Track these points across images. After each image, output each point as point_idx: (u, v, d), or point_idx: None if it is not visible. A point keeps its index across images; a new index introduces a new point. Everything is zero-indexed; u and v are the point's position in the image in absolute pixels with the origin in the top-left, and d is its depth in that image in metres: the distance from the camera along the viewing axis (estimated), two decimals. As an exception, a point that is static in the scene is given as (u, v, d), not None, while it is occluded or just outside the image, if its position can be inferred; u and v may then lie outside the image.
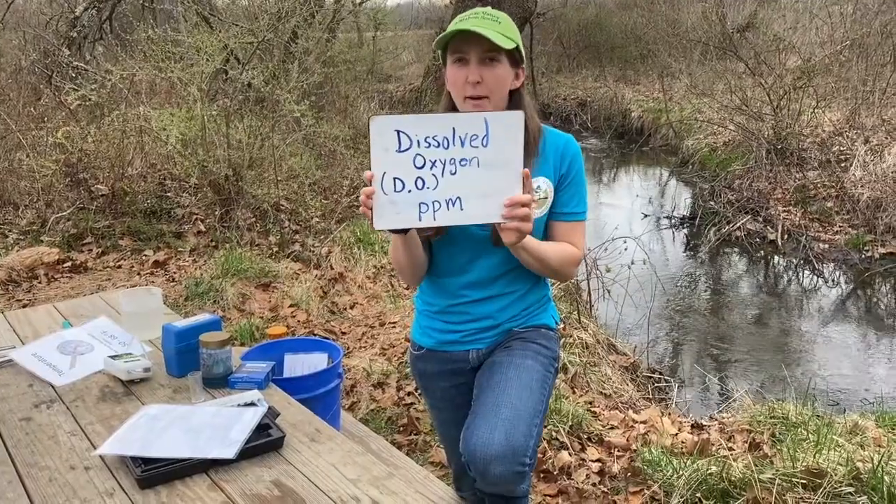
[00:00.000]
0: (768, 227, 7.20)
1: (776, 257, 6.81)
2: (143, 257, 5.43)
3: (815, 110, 8.67)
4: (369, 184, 1.61)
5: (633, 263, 4.99)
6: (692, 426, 3.29)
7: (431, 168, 1.62)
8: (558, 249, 1.81)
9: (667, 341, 5.11)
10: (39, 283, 4.94)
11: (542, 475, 2.83)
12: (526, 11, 10.20)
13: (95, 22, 10.08)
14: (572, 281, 5.00)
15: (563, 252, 1.81)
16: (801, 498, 2.48)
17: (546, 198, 1.80)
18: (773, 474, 2.56)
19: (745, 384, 4.30)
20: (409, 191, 1.62)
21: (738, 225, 7.22)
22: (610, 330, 4.85)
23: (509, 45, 1.69)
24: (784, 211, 7.43)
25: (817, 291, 6.04)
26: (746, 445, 3.00)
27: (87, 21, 9.67)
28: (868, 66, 9.09)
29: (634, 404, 3.66)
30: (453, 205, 1.64)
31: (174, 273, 5.19)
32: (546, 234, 1.86)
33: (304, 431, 1.75)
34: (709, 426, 3.29)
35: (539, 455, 2.89)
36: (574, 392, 3.59)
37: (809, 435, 2.92)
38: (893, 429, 3.13)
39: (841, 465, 2.59)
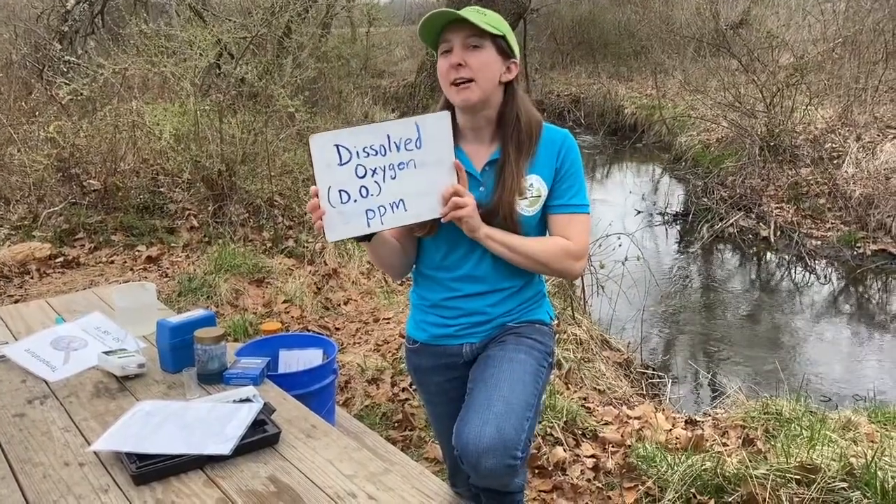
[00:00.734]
0: (761, 224, 7.22)
1: (769, 254, 6.84)
2: (136, 253, 5.40)
3: (808, 107, 8.69)
4: (316, 198, 1.70)
5: (626, 260, 4.99)
6: (686, 422, 3.30)
7: (373, 175, 1.72)
8: (544, 241, 1.82)
9: (660, 337, 5.13)
10: (31, 278, 4.91)
11: (536, 471, 2.83)
12: (520, 7, 10.19)
13: (87, 16, 10.02)
14: (566, 277, 5.00)
15: (551, 245, 1.81)
16: (795, 493, 2.49)
17: (539, 196, 1.81)
18: (767, 470, 2.57)
19: (738, 380, 4.31)
20: (355, 200, 1.72)
21: (731, 221, 7.24)
22: (604, 326, 4.86)
23: (492, 31, 1.71)
24: (777, 208, 7.45)
25: (810, 288, 6.06)
26: (740, 441, 3.01)
27: (79, 15, 9.61)
28: (860, 63, 9.11)
29: (628, 400, 3.67)
30: (397, 207, 1.74)
31: (167, 268, 5.16)
32: (544, 230, 1.86)
33: (300, 427, 1.74)
34: (703, 422, 3.30)
35: (534, 451, 2.90)
36: (568, 388, 3.59)
37: (803, 431, 2.93)
38: (886, 424, 3.15)
39: (834, 460, 2.61)
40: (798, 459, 2.63)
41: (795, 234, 6.83)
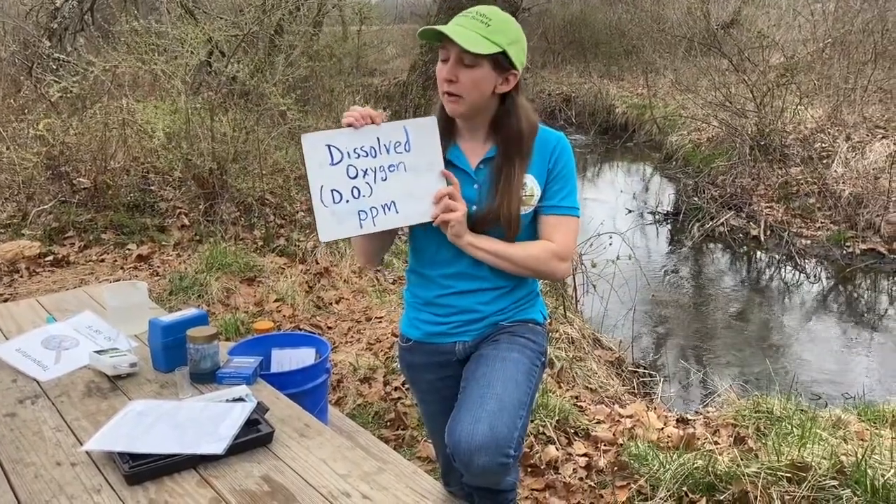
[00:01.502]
0: (751, 223, 7.26)
1: (759, 253, 6.87)
2: (127, 251, 5.37)
3: (798, 107, 8.73)
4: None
5: (618, 259, 5.01)
6: (678, 420, 3.31)
7: (364, 177, 1.74)
8: (529, 246, 1.81)
9: (651, 336, 5.14)
10: (21, 276, 4.88)
11: (529, 470, 2.84)
12: (512, 7, 10.19)
13: (77, 13, 9.95)
14: (558, 276, 5.01)
15: (535, 249, 1.81)
16: (786, 491, 2.51)
17: (532, 195, 1.81)
18: (759, 468, 2.58)
19: (729, 379, 4.33)
20: (347, 201, 1.73)
21: (721, 221, 7.27)
22: (595, 325, 4.87)
23: (481, 50, 1.65)
24: (767, 207, 7.49)
25: (799, 287, 6.10)
26: (732, 439, 3.02)
27: (69, 12, 9.54)
28: (850, 63, 9.16)
29: (620, 399, 3.68)
30: (389, 209, 1.76)
31: (158, 267, 5.14)
32: (533, 228, 1.86)
33: (293, 427, 1.74)
34: (694, 420, 3.31)
35: (526, 450, 2.90)
36: (560, 387, 3.60)
37: (794, 429, 2.95)
38: (875, 423, 3.17)
39: (825, 458, 2.62)
40: (789, 458, 2.64)
41: (785, 233, 6.86)
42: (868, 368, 4.59)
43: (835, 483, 2.50)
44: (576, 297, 4.99)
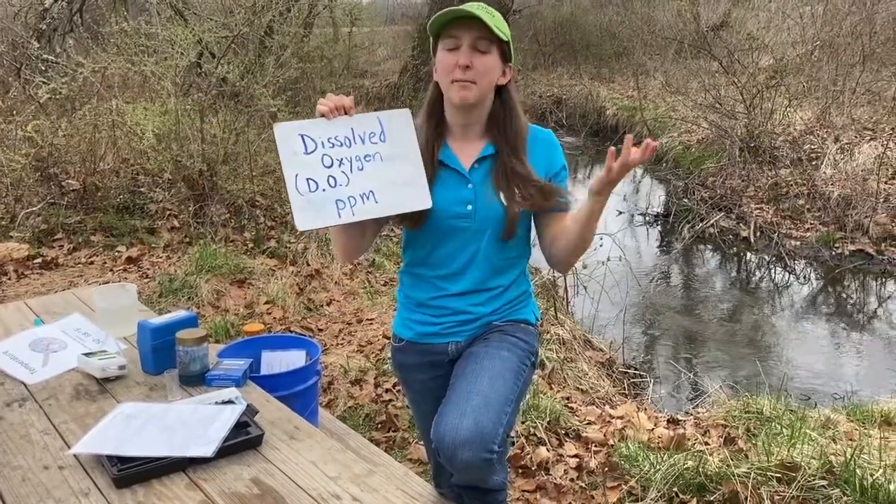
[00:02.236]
0: (741, 225, 7.29)
1: (749, 254, 6.90)
2: (116, 253, 5.34)
3: (787, 109, 8.78)
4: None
5: (608, 260, 5.02)
6: (668, 421, 3.32)
7: (340, 166, 1.73)
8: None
9: (642, 337, 5.15)
10: (9, 279, 4.84)
11: (520, 471, 2.84)
12: (502, 8, 10.22)
13: (66, 14, 9.90)
14: (549, 277, 5.02)
15: None
16: (776, 491, 2.52)
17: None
18: (749, 468, 2.59)
19: (719, 379, 4.34)
20: (324, 189, 1.71)
21: (711, 222, 7.29)
22: (586, 326, 4.88)
23: (500, 34, 1.72)
24: (756, 208, 7.52)
25: (789, 288, 6.12)
26: (722, 440, 3.03)
27: (58, 13, 9.49)
28: (838, 66, 9.22)
29: (611, 400, 3.68)
30: (367, 198, 1.74)
31: (147, 269, 5.12)
32: (546, 226, 1.85)
33: (283, 429, 1.73)
34: (684, 421, 3.32)
35: (517, 451, 2.90)
36: (551, 388, 3.60)
37: (783, 429, 2.96)
38: (864, 423, 3.19)
39: (814, 458, 2.63)
40: (778, 458, 2.65)
41: (775, 234, 6.89)
42: (857, 369, 4.61)
43: (824, 483, 2.52)
44: (567, 299, 5.00)
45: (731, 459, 2.69)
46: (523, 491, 2.73)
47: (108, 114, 6.10)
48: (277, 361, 2.50)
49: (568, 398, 3.52)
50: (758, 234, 7.06)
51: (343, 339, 4.26)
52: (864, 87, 9.14)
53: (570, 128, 13.85)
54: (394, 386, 3.50)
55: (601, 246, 5.21)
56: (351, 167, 1.73)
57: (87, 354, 2.03)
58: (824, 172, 7.51)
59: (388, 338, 2.04)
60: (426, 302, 1.90)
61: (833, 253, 6.51)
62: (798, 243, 6.79)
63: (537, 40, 18.05)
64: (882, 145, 7.55)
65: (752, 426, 3.12)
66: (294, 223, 1.71)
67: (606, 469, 2.85)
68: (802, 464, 2.59)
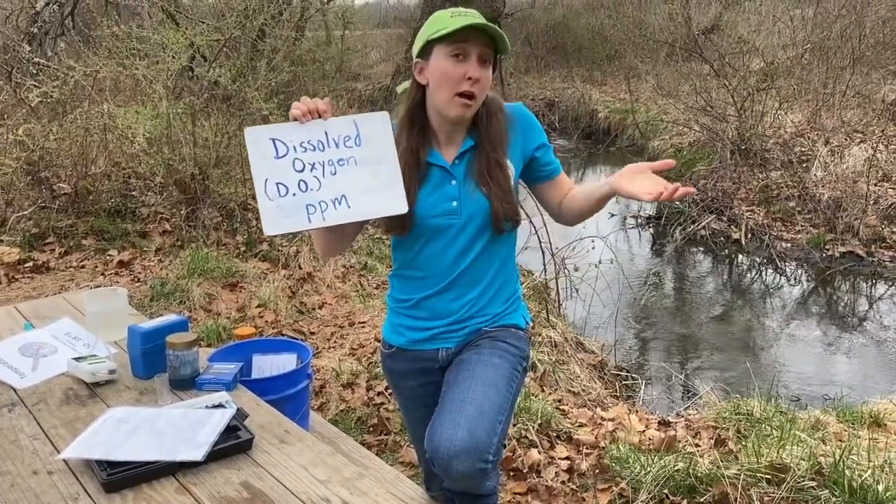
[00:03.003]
0: (732, 227, 7.32)
1: (740, 256, 6.93)
2: (108, 257, 5.33)
3: (778, 112, 8.82)
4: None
5: (600, 263, 5.03)
6: (659, 423, 3.33)
7: (312, 170, 1.70)
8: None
9: (633, 339, 5.17)
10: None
11: (511, 473, 2.84)
12: (495, 12, 10.23)
13: (57, 17, 9.86)
14: (541, 280, 5.03)
15: None
16: (766, 493, 2.53)
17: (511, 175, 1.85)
18: (739, 470, 2.61)
19: (710, 381, 4.36)
20: (294, 194, 1.68)
21: (702, 224, 7.32)
22: (578, 328, 4.89)
23: (508, 50, 1.73)
24: (748, 210, 7.55)
25: (780, 290, 6.15)
26: (712, 442, 3.04)
27: (49, 16, 9.45)
28: (828, 69, 9.27)
29: (602, 402, 3.69)
30: (339, 203, 1.71)
31: (139, 273, 5.11)
32: (545, 191, 1.91)
33: (274, 433, 1.73)
34: (675, 423, 3.33)
35: (509, 453, 2.91)
36: (543, 390, 3.61)
37: (773, 431, 2.97)
38: (854, 424, 3.21)
39: (804, 459, 2.65)
40: (768, 459, 2.66)
41: (766, 236, 6.92)
42: (847, 370, 4.64)
43: (813, 484, 2.53)
44: (558, 301, 5.01)
45: (722, 461, 2.70)
46: (515, 493, 2.74)
47: (99, 117, 6.09)
48: (268, 365, 2.51)
49: (559, 400, 3.53)
50: (749, 236, 7.09)
51: (335, 342, 4.26)
52: (854, 90, 9.20)
53: (562, 130, 13.89)
54: (385, 389, 3.50)
55: (593, 248, 5.23)
56: (323, 171, 1.71)
57: (77, 359, 2.03)
58: (815, 175, 7.55)
59: (380, 341, 2.04)
60: (416, 304, 1.90)
61: (823, 255, 6.54)
62: (789, 245, 6.82)
63: (529, 43, 18.10)
64: (872, 148, 7.59)
65: (743, 428, 3.14)
66: (262, 227, 1.70)
67: (597, 471, 2.86)
68: (792, 465, 2.60)
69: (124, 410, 1.77)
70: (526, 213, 3.92)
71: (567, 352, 4.18)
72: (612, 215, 8.25)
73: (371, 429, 3.26)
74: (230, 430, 1.66)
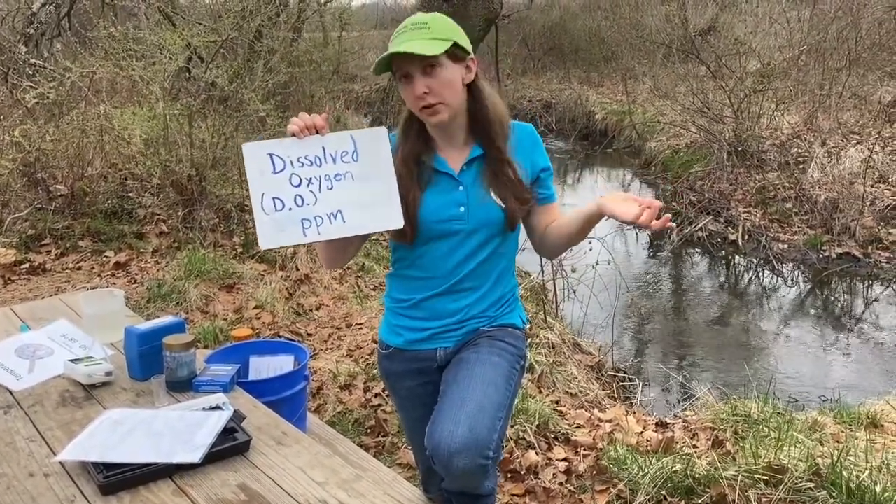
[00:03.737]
0: (729, 228, 7.33)
1: (737, 257, 6.94)
2: (104, 258, 5.32)
3: (775, 113, 8.84)
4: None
5: (597, 264, 5.03)
6: (657, 424, 3.33)
7: (308, 185, 1.72)
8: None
9: (631, 341, 5.17)
10: (-5, 285, 4.82)
11: (509, 475, 2.84)
12: (491, 13, 10.23)
13: (54, 18, 9.85)
14: (538, 281, 5.03)
15: None
16: (764, 494, 2.53)
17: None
18: (736, 471, 2.61)
19: (707, 382, 4.36)
20: (290, 209, 1.71)
21: (699, 226, 7.33)
22: (575, 330, 4.89)
23: (438, 51, 1.68)
24: (744, 212, 7.56)
25: (777, 291, 6.16)
26: (710, 443, 3.04)
27: (45, 17, 9.44)
28: (825, 70, 9.29)
29: (600, 403, 3.69)
30: (335, 218, 1.73)
31: (136, 274, 5.10)
32: (535, 215, 1.91)
33: (271, 435, 1.73)
34: (673, 424, 3.33)
35: (506, 455, 2.91)
36: (541, 392, 3.60)
37: (771, 432, 2.98)
38: (851, 425, 3.21)
39: (801, 461, 2.65)
40: (766, 460, 2.66)
41: (763, 237, 6.93)
42: (844, 371, 4.64)
43: (811, 485, 2.53)
44: (556, 303, 5.01)
45: (719, 462, 2.70)
46: (512, 495, 2.73)
47: (96, 118, 6.08)
48: (265, 366, 2.50)
49: (557, 402, 3.52)
50: (746, 237, 7.10)
51: (332, 343, 4.26)
52: (851, 92, 9.23)
53: (559, 132, 13.90)
54: (383, 391, 3.50)
55: (590, 250, 5.23)
56: (320, 186, 1.72)
57: (73, 360, 2.02)
58: (811, 176, 7.56)
59: (377, 342, 2.04)
60: (415, 304, 1.90)
61: (820, 256, 6.55)
62: (785, 246, 6.83)
63: (527, 45, 18.12)
64: (868, 149, 7.61)
65: (740, 429, 3.14)
66: (257, 241, 1.72)
67: (595, 472, 2.85)
68: (790, 466, 2.60)
69: (121, 412, 1.76)
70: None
71: (564, 353, 4.18)
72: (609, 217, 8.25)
73: (368, 430, 3.25)
74: (227, 432, 1.66)
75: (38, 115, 6.46)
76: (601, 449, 3.01)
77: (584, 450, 3.03)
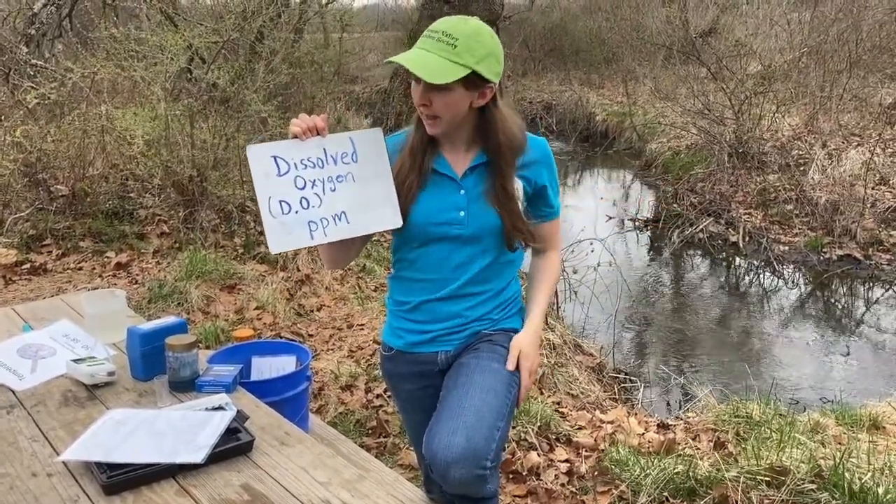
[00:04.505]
0: (730, 230, 7.33)
1: (738, 259, 6.93)
2: (105, 259, 5.32)
3: (775, 115, 8.84)
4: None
5: (598, 265, 5.04)
6: (658, 426, 3.33)
7: (312, 187, 1.73)
8: (551, 276, 1.97)
9: (632, 342, 5.17)
10: (-4, 285, 4.81)
11: (511, 476, 2.84)
12: (493, 14, 10.26)
13: (55, 19, 9.84)
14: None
15: (554, 273, 1.98)
16: (766, 495, 2.53)
17: (519, 198, 1.82)
18: (738, 472, 2.61)
19: (709, 384, 4.36)
20: (297, 212, 1.72)
21: (700, 227, 7.33)
22: (576, 331, 4.89)
23: (448, 80, 1.61)
24: (745, 213, 7.56)
25: (778, 292, 6.16)
26: (712, 444, 3.04)
27: (46, 18, 9.43)
28: (825, 72, 9.30)
29: (601, 404, 3.69)
30: (339, 219, 1.75)
31: (137, 275, 5.09)
32: (535, 231, 1.89)
33: (274, 435, 1.73)
34: (674, 426, 3.33)
35: (508, 456, 2.90)
36: (542, 393, 3.60)
37: (773, 433, 2.97)
38: (853, 426, 3.21)
39: (803, 462, 2.65)
40: (768, 462, 2.66)
41: (764, 239, 6.93)
42: (845, 372, 4.64)
43: (813, 487, 2.53)
44: (557, 304, 5.00)
45: (721, 463, 2.70)
46: (514, 496, 2.73)
47: (97, 119, 6.08)
48: (267, 367, 2.50)
49: (558, 403, 3.52)
50: (746, 239, 7.10)
51: (333, 344, 4.26)
52: (851, 93, 9.23)
53: (559, 133, 13.90)
54: (384, 391, 3.50)
55: (592, 251, 5.23)
56: (323, 188, 1.74)
57: (76, 360, 2.02)
58: (812, 178, 7.56)
59: (379, 343, 2.04)
60: (415, 307, 1.89)
61: (821, 258, 6.55)
62: (786, 248, 6.83)
63: (527, 46, 18.13)
64: (869, 151, 7.61)
65: (742, 430, 3.14)
66: (267, 246, 1.72)
67: (597, 474, 2.85)
68: (792, 468, 2.60)
69: (123, 412, 1.76)
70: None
71: (566, 354, 4.18)
72: (610, 218, 8.26)
73: (370, 431, 3.25)
74: (230, 432, 1.66)
75: (40, 115, 6.46)
76: (603, 450, 3.01)
77: (586, 451, 3.03)
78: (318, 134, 1.75)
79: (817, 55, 9.60)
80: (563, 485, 2.80)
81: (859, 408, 3.49)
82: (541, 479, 2.82)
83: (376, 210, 1.76)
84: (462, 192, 1.80)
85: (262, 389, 2.15)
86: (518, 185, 1.81)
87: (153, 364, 1.97)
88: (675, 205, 7.98)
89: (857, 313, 5.71)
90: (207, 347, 3.88)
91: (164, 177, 5.80)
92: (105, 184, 6.20)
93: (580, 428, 3.25)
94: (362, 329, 4.41)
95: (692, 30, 11.26)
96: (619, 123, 12.63)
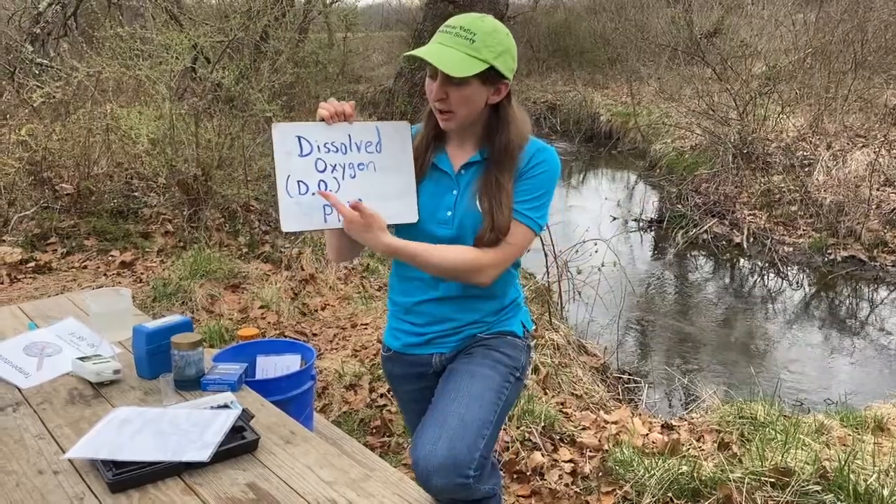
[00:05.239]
0: (734, 231, 7.31)
1: (742, 260, 6.92)
2: (110, 258, 5.33)
3: (780, 116, 8.83)
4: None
5: (603, 266, 5.03)
6: (662, 426, 3.32)
7: (332, 172, 1.73)
8: (447, 251, 1.73)
9: (636, 342, 5.16)
10: (2, 283, 4.82)
11: (514, 476, 2.84)
12: (497, 14, 10.25)
13: (60, 18, 9.87)
14: (543, 283, 5.03)
15: (454, 254, 1.73)
16: (770, 497, 2.52)
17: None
18: (743, 473, 2.60)
19: (713, 384, 4.35)
20: (313, 194, 1.71)
21: (704, 228, 7.32)
22: (580, 331, 4.88)
23: (467, 73, 1.62)
24: (749, 214, 7.55)
25: (782, 293, 6.15)
26: (716, 445, 3.04)
27: (52, 17, 9.46)
28: (830, 73, 9.28)
29: (605, 405, 3.69)
30: None
31: (141, 274, 5.10)
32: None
33: (279, 433, 1.73)
34: (679, 426, 3.32)
35: (512, 456, 2.91)
36: (546, 393, 3.60)
37: (777, 434, 2.97)
38: (857, 428, 3.20)
39: (808, 464, 2.64)
40: (772, 463, 2.66)
41: (768, 240, 6.92)
42: (850, 374, 4.63)
43: (818, 488, 2.53)
44: (561, 304, 5.00)
45: (726, 464, 2.70)
46: (518, 496, 2.73)
47: (102, 118, 6.09)
48: (272, 366, 2.50)
49: (562, 403, 3.52)
50: (751, 239, 7.09)
51: (337, 343, 4.26)
52: (856, 95, 9.20)
53: (564, 133, 13.89)
54: (388, 391, 3.50)
55: (596, 251, 5.22)
56: (343, 174, 1.74)
57: (81, 359, 2.02)
58: (817, 179, 7.55)
59: (382, 343, 2.06)
60: (411, 308, 1.89)
61: (825, 259, 6.54)
62: (791, 249, 6.82)
63: (532, 46, 18.11)
64: (874, 152, 7.60)
65: (746, 431, 3.13)
66: (280, 224, 1.72)
67: (601, 474, 2.85)
68: (796, 469, 2.60)
69: (129, 410, 1.77)
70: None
71: (570, 354, 4.17)
72: (614, 219, 8.25)
73: (374, 430, 3.25)
74: (236, 431, 1.66)
75: (45, 114, 6.48)
76: (607, 450, 3.01)
77: (590, 451, 3.03)
78: (346, 120, 1.74)
79: (822, 56, 9.59)
80: (567, 485, 2.80)
81: (864, 409, 3.48)
82: (545, 479, 2.82)
83: (393, 202, 1.75)
84: (455, 191, 1.79)
85: (266, 388, 2.15)
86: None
87: (159, 362, 1.97)
88: (679, 205, 7.97)
89: (861, 315, 5.70)
90: (212, 346, 3.89)
91: (169, 176, 5.81)
92: (110, 183, 6.22)
93: (584, 428, 3.24)
94: (366, 328, 4.42)
95: (697, 30, 11.25)
96: (623, 124, 12.62)
